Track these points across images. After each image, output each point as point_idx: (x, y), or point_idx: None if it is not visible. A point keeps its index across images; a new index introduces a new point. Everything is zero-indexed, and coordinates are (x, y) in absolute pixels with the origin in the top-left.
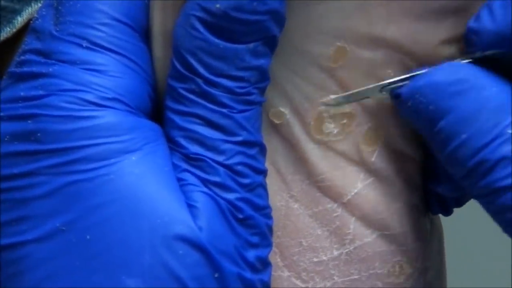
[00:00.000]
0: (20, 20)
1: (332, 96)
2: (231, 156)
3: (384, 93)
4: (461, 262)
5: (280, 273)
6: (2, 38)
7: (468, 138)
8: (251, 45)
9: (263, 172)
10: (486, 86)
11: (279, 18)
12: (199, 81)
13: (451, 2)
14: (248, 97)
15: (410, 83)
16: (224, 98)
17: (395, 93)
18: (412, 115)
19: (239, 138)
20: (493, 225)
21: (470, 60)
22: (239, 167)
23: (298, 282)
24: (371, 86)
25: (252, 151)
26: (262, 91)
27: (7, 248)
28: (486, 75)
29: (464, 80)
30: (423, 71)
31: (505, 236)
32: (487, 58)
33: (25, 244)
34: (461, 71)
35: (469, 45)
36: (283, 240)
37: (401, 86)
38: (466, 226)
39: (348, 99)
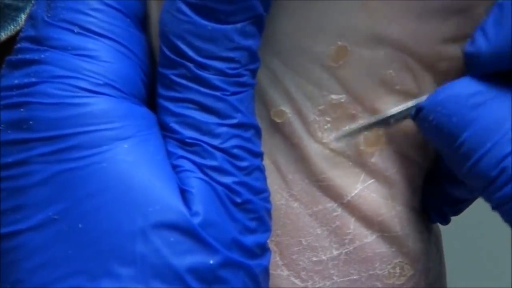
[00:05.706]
0: (23, 18)
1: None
2: (226, 140)
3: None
4: (460, 262)
5: (279, 272)
6: (6, 36)
7: (491, 148)
8: (239, 25)
9: (260, 155)
10: (507, 96)
11: None
12: (190, 65)
13: (454, 2)
14: (239, 79)
15: (430, 98)
16: (216, 80)
17: (416, 109)
18: (434, 130)
19: (234, 121)
20: (492, 225)
21: None
22: (236, 150)
23: (297, 281)
24: (409, 105)
25: (248, 134)
26: (253, 73)
27: (5, 237)
28: (505, 86)
29: (485, 91)
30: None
31: (504, 236)
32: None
33: (21, 233)
34: (482, 83)
35: (469, 68)
36: (282, 239)
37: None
38: (466, 226)
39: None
